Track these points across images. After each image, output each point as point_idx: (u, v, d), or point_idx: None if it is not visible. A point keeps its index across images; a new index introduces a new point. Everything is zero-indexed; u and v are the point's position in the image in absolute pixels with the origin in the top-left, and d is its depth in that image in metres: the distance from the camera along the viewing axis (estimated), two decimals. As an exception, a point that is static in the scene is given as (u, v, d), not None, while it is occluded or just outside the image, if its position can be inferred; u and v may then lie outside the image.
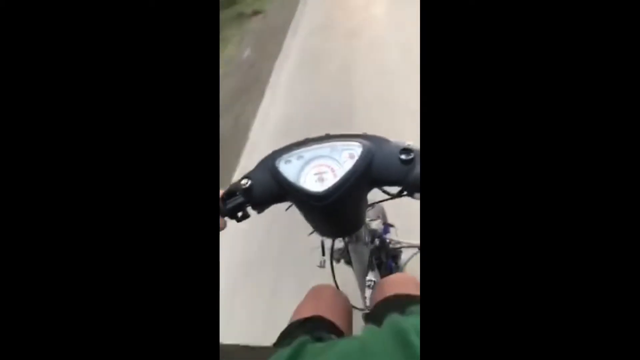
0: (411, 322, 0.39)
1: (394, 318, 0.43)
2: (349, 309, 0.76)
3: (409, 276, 0.76)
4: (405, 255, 0.98)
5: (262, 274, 1.65)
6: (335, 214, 0.55)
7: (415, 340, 0.35)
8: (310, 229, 0.65)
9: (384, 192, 0.60)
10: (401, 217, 1.07)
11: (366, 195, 0.58)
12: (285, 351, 0.41)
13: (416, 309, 0.53)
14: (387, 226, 0.97)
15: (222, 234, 0.55)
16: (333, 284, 0.81)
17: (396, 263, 0.98)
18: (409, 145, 0.51)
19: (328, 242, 0.85)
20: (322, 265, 0.85)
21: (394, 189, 0.56)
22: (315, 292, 0.74)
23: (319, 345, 0.45)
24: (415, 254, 0.95)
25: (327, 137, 0.54)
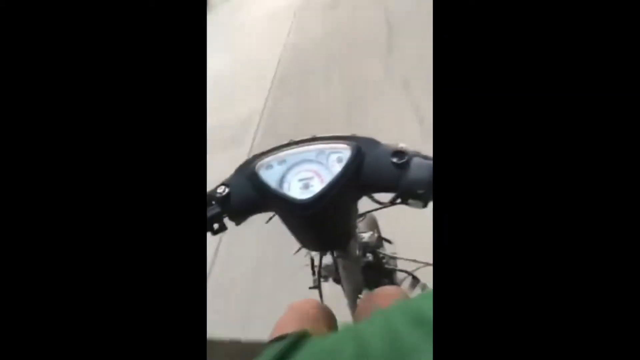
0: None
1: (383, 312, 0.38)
2: (335, 324, 0.69)
3: (395, 288, 0.68)
4: (401, 274, 0.91)
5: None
6: (323, 224, 0.49)
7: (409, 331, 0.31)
8: (296, 245, 0.58)
9: (375, 201, 0.54)
10: (398, 232, 1.01)
11: (356, 203, 0.53)
12: (282, 343, 0.37)
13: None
14: (381, 240, 0.90)
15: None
16: (314, 298, 0.74)
17: (391, 282, 0.91)
18: (402, 147, 0.46)
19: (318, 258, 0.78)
20: (316, 286, 0.78)
21: (386, 197, 0.51)
22: (298, 306, 0.67)
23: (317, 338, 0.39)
24: (414, 271, 0.87)
25: (313, 139, 0.49)
